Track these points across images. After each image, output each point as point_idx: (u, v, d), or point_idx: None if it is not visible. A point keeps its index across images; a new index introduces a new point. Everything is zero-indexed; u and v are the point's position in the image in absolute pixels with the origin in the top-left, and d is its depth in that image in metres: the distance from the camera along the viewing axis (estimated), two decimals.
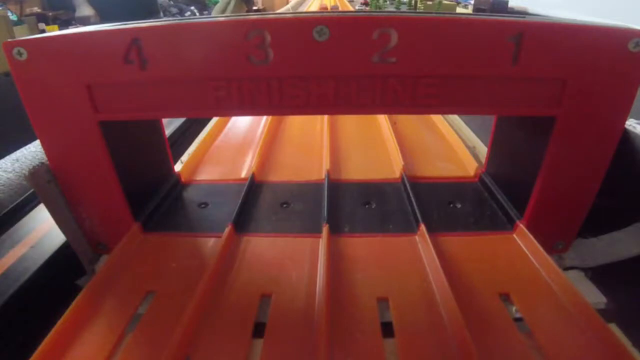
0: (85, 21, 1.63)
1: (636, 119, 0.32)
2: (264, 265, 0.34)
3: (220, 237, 0.36)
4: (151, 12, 1.30)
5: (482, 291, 0.30)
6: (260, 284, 0.32)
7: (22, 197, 0.42)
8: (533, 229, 0.35)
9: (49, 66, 0.29)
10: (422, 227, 0.36)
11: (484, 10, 2.78)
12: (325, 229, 0.36)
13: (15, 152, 0.45)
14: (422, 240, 0.35)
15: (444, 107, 0.31)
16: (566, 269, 0.36)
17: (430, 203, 0.41)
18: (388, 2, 3.98)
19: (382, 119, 0.63)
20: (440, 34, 0.27)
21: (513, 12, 2.74)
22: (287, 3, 3.37)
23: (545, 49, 0.28)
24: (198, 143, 0.57)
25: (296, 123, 0.65)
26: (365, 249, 0.35)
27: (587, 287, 0.33)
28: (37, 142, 0.44)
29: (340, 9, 3.08)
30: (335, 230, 0.37)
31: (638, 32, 0.27)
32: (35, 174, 0.31)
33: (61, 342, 0.26)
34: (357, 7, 4.03)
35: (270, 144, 0.57)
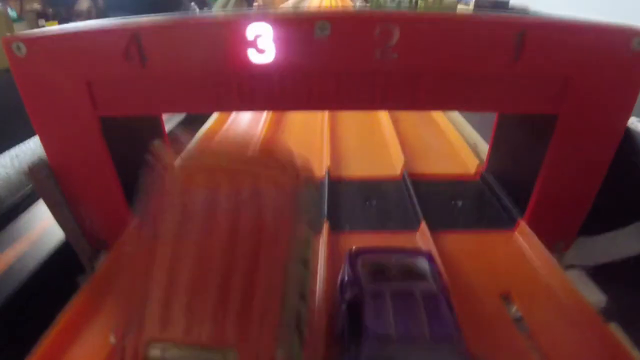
0: (79, 14, 1.62)
1: (638, 117, 0.32)
2: None
3: None
4: (174, 6, 1.25)
5: (483, 290, 0.30)
6: None
7: (22, 194, 0.42)
8: (534, 227, 0.35)
9: (49, 62, 0.28)
10: (423, 224, 0.36)
11: (485, 8, 2.77)
12: (325, 226, 0.36)
13: (14, 148, 0.45)
14: (422, 237, 0.35)
15: (446, 104, 0.31)
16: (566, 268, 0.35)
17: (431, 200, 0.41)
18: (389, 0, 3.98)
19: (383, 116, 0.63)
20: (441, 31, 0.27)
21: (514, 10, 2.74)
22: (288, 0, 3.36)
23: (547, 47, 0.28)
24: (198, 139, 0.57)
25: (297, 120, 0.65)
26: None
27: (587, 286, 0.33)
28: (37, 139, 0.44)
29: (341, 6, 3.08)
30: (336, 227, 0.37)
31: None
32: (34, 170, 0.31)
33: (61, 341, 0.26)
34: (357, 5, 4.03)
35: (271, 141, 0.57)
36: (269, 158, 0.18)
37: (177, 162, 0.18)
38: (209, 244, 0.16)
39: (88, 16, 1.56)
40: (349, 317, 0.23)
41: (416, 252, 0.26)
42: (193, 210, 0.16)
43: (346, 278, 0.25)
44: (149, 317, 0.15)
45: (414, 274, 0.24)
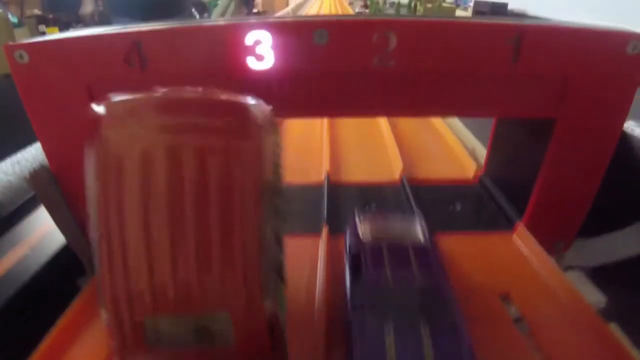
0: (83, 19, 1.62)
1: (634, 120, 0.33)
2: None
3: None
4: (179, 10, 1.25)
5: (482, 292, 0.30)
6: None
7: (23, 200, 0.42)
8: (533, 229, 0.35)
9: (50, 69, 0.29)
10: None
11: (483, 13, 2.79)
12: (325, 230, 0.36)
13: (15, 154, 0.45)
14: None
15: (445, 110, 0.32)
16: (566, 269, 0.36)
17: (429, 205, 0.41)
18: (388, 5, 4.00)
19: (382, 121, 0.63)
20: (439, 37, 0.27)
21: (512, 14, 2.76)
22: (287, 5, 3.38)
23: (544, 51, 0.28)
24: None
25: (296, 125, 0.66)
26: None
27: (587, 287, 0.33)
28: (38, 144, 0.44)
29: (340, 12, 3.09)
30: (335, 231, 0.37)
31: (636, 35, 0.27)
32: (35, 176, 0.31)
33: (61, 342, 0.26)
34: (356, 10, 4.05)
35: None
36: (233, 110, 0.18)
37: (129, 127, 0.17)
38: (178, 212, 0.15)
39: (92, 20, 1.56)
40: (352, 268, 0.27)
41: (410, 215, 0.31)
42: (155, 178, 0.16)
43: (349, 238, 0.30)
44: (138, 293, 0.15)
45: (407, 232, 0.28)
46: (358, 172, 0.49)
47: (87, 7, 1.58)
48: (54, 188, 0.33)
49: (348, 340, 0.23)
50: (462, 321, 0.22)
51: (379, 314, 0.22)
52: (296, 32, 0.27)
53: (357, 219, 0.29)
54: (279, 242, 0.18)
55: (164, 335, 0.15)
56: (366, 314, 0.23)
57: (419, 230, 0.28)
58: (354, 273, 0.27)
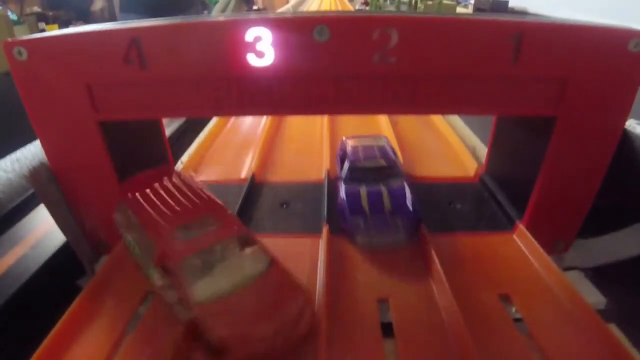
0: (93, 15, 1.62)
1: (636, 119, 0.32)
2: None
3: None
4: (187, 6, 1.24)
5: (482, 291, 0.30)
6: None
7: (23, 197, 0.42)
8: (533, 229, 0.35)
9: (49, 66, 0.29)
10: (422, 227, 0.36)
11: (484, 10, 2.78)
12: (325, 229, 0.36)
13: (15, 152, 0.45)
14: (422, 240, 0.35)
15: (445, 107, 0.32)
16: (566, 269, 0.35)
17: (430, 203, 0.41)
18: (388, 2, 3.99)
19: (383, 119, 0.63)
20: (440, 34, 0.27)
21: (513, 12, 2.75)
22: (287, 2, 3.36)
23: (545, 49, 0.28)
24: (198, 143, 0.57)
25: (296, 123, 0.65)
26: (365, 249, 0.35)
27: (587, 287, 0.33)
28: (37, 142, 0.44)
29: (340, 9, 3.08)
30: (336, 230, 0.37)
31: (638, 33, 0.27)
32: (34, 173, 0.31)
33: (61, 342, 0.26)
34: (357, 7, 4.04)
35: (271, 145, 0.57)
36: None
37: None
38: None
39: (101, 16, 1.56)
40: (341, 163, 0.43)
41: (380, 135, 0.50)
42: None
43: (339, 151, 0.46)
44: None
45: (375, 141, 0.45)
46: None
47: (97, 4, 1.57)
48: (54, 186, 0.33)
49: (340, 203, 0.38)
50: (407, 186, 0.38)
51: (356, 181, 0.39)
52: (296, 29, 0.27)
53: (345, 140, 0.47)
54: None
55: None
56: (349, 180, 0.39)
57: (383, 141, 0.46)
58: (342, 164, 0.42)
